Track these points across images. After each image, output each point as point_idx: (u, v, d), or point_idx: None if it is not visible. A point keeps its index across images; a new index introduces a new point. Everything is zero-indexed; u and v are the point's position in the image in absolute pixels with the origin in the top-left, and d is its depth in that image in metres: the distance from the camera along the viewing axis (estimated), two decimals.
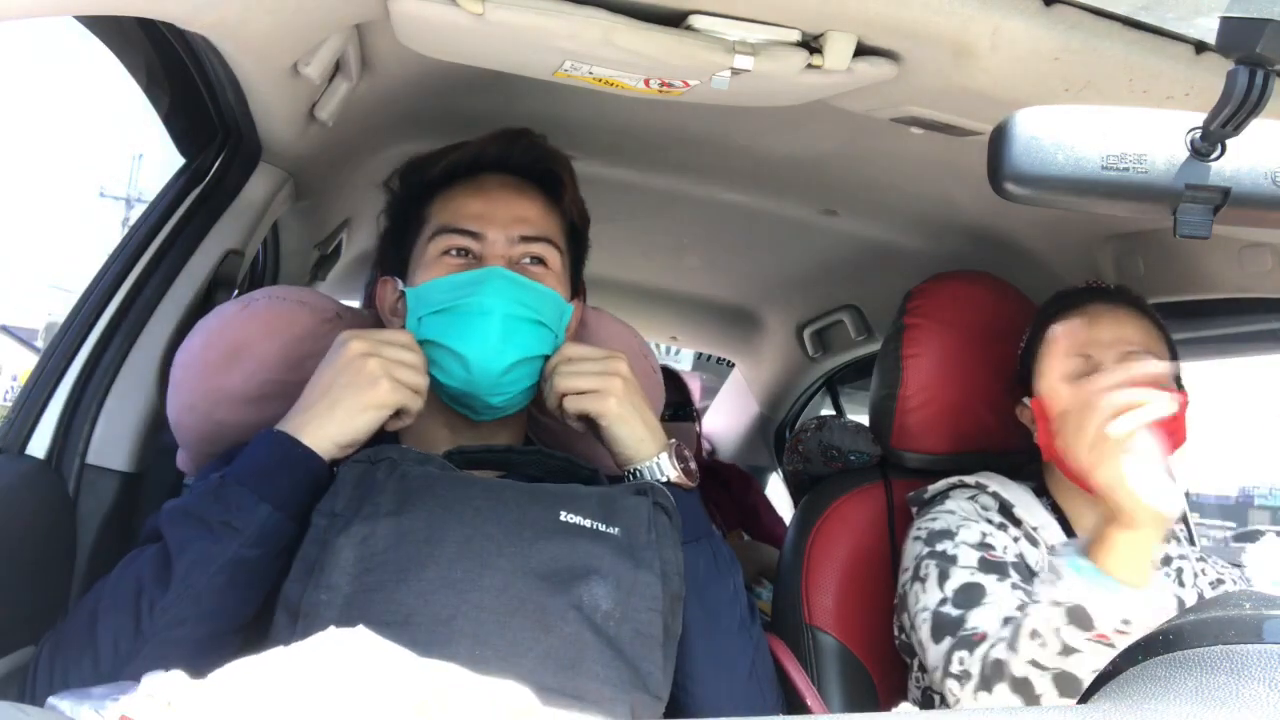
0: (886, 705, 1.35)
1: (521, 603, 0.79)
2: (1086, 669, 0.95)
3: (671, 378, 2.34)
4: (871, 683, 1.35)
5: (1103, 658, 0.86)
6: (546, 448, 1.13)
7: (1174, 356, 1.26)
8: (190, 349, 1.05)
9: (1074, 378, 1.21)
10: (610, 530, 0.87)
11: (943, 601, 1.14)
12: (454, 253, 1.03)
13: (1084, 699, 0.46)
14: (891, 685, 1.35)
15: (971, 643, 1.07)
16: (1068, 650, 0.95)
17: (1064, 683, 0.97)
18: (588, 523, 0.87)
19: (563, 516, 0.87)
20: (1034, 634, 0.98)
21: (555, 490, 0.91)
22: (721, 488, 2.41)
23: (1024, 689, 0.98)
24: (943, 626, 1.12)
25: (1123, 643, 0.58)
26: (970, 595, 1.12)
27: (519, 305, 0.99)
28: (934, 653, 1.11)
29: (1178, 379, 1.25)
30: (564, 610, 0.80)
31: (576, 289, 1.15)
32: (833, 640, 1.36)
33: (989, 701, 1.01)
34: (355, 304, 1.49)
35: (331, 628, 0.62)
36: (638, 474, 1.00)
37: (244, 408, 1.04)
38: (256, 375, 1.04)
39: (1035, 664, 0.98)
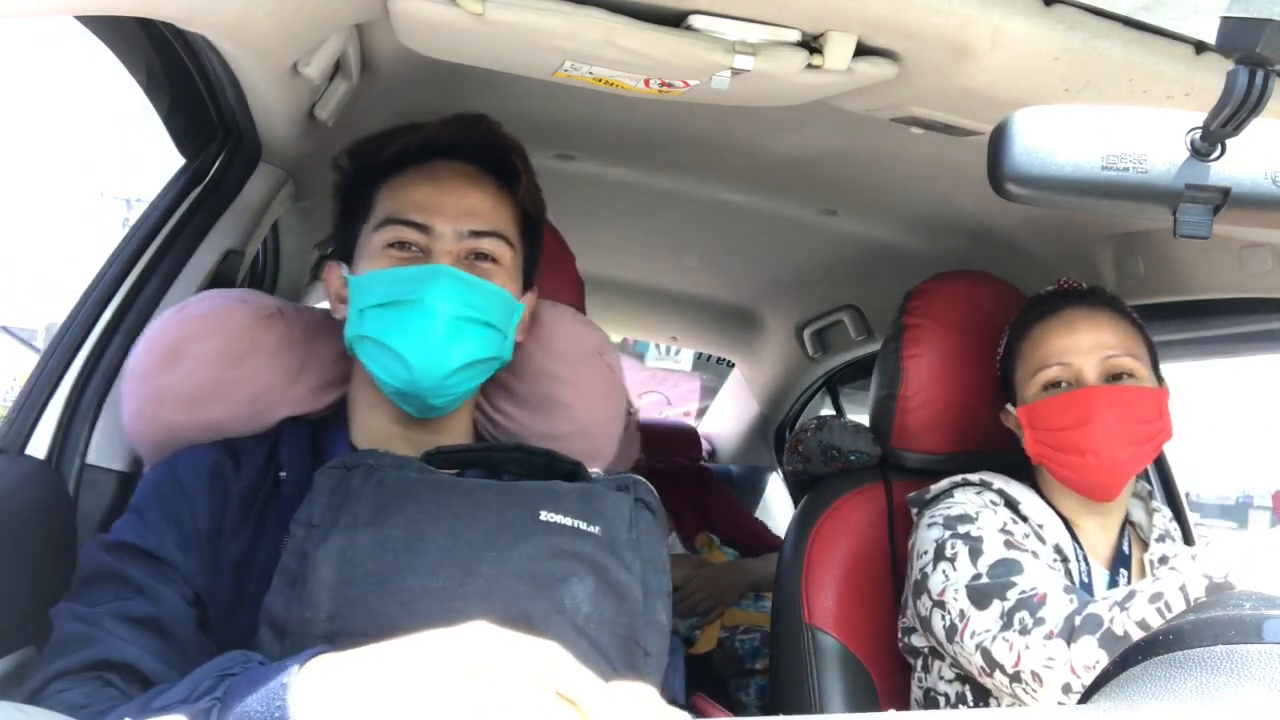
0: (886, 705, 1.35)
1: (505, 607, 0.78)
2: None
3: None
4: (871, 683, 1.35)
5: None
6: (498, 441, 1.11)
7: (1153, 353, 1.26)
8: (135, 355, 1.04)
9: (1054, 387, 1.22)
10: (591, 529, 0.85)
11: (976, 577, 1.13)
12: (399, 245, 0.98)
13: (1084, 699, 0.46)
14: (891, 685, 1.35)
15: (1033, 604, 1.05)
16: None
17: None
18: (569, 521, 0.85)
19: (543, 515, 0.85)
20: (1156, 597, 0.95)
21: (535, 489, 0.89)
22: (671, 488, 2.35)
23: (1120, 643, 0.96)
24: (988, 592, 1.10)
25: None
26: (1008, 568, 1.11)
27: (466, 306, 0.95)
28: (981, 617, 1.09)
29: (1158, 374, 1.25)
30: (548, 614, 0.79)
31: (530, 282, 1.10)
32: (833, 640, 1.36)
33: (1059, 650, 1.00)
34: None
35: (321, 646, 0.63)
36: None
37: (189, 407, 1.02)
38: (197, 374, 1.02)
39: (1143, 624, 0.95)
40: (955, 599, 1.13)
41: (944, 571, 1.16)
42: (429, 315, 0.93)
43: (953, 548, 1.17)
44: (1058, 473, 1.23)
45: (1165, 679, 0.42)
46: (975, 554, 1.15)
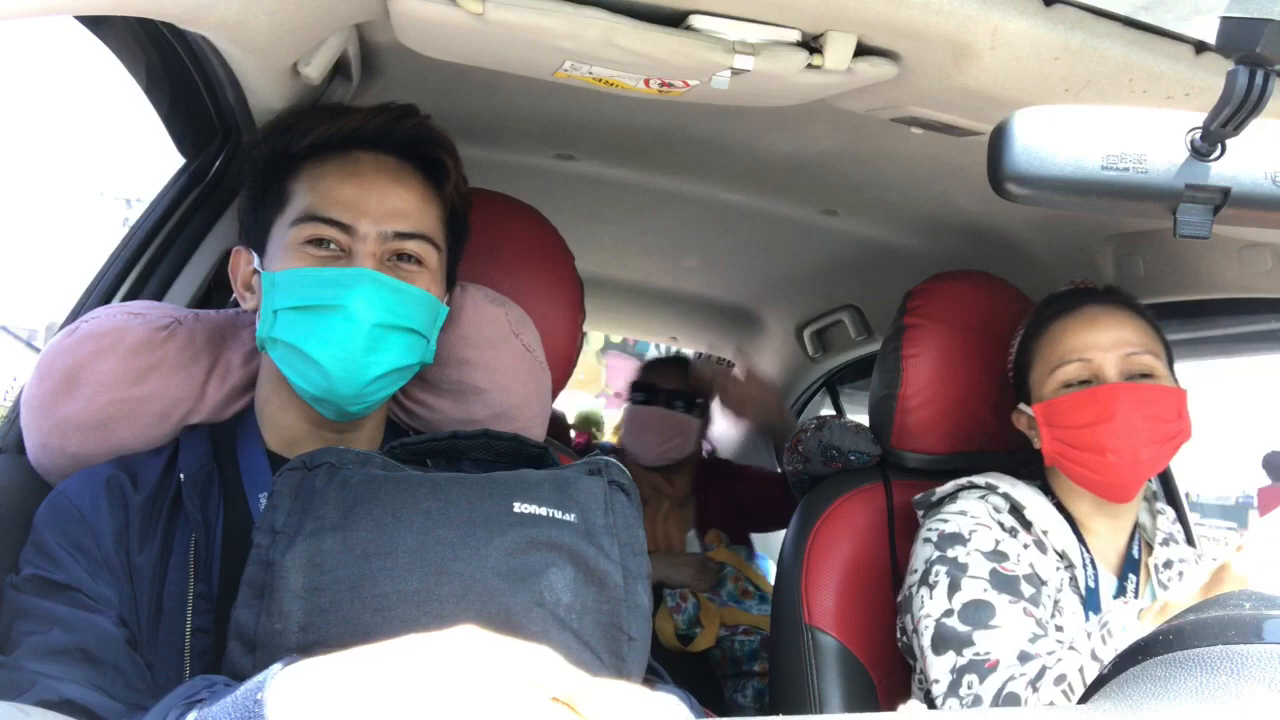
0: (886, 705, 1.35)
1: (484, 606, 0.76)
2: None
3: (682, 364, 2.30)
4: (871, 683, 1.35)
5: None
6: (418, 432, 1.07)
7: (1169, 352, 1.25)
8: (30, 387, 0.98)
9: (1076, 383, 1.21)
10: (566, 517, 0.83)
11: (948, 613, 1.13)
12: (318, 243, 0.93)
13: (1084, 699, 0.46)
14: (891, 685, 1.35)
15: (983, 669, 1.06)
16: None
17: None
18: (543, 511, 0.82)
19: (516, 508, 0.82)
20: (1060, 679, 0.98)
21: (506, 479, 0.86)
22: (702, 488, 2.31)
23: None
24: (947, 640, 1.11)
25: None
26: (979, 614, 1.11)
27: (389, 313, 0.91)
28: (936, 665, 1.11)
29: (1173, 375, 1.25)
30: (528, 608, 0.77)
31: (453, 280, 1.06)
32: (832, 640, 1.36)
33: None
34: None
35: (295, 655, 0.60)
36: None
37: (93, 434, 0.96)
38: (97, 397, 0.96)
39: (1051, 706, 0.98)
40: (924, 632, 1.14)
41: (923, 598, 1.17)
42: (350, 322, 0.89)
43: (936, 574, 1.17)
44: (1074, 472, 1.22)
45: (1165, 679, 0.42)
46: (954, 588, 1.15)
